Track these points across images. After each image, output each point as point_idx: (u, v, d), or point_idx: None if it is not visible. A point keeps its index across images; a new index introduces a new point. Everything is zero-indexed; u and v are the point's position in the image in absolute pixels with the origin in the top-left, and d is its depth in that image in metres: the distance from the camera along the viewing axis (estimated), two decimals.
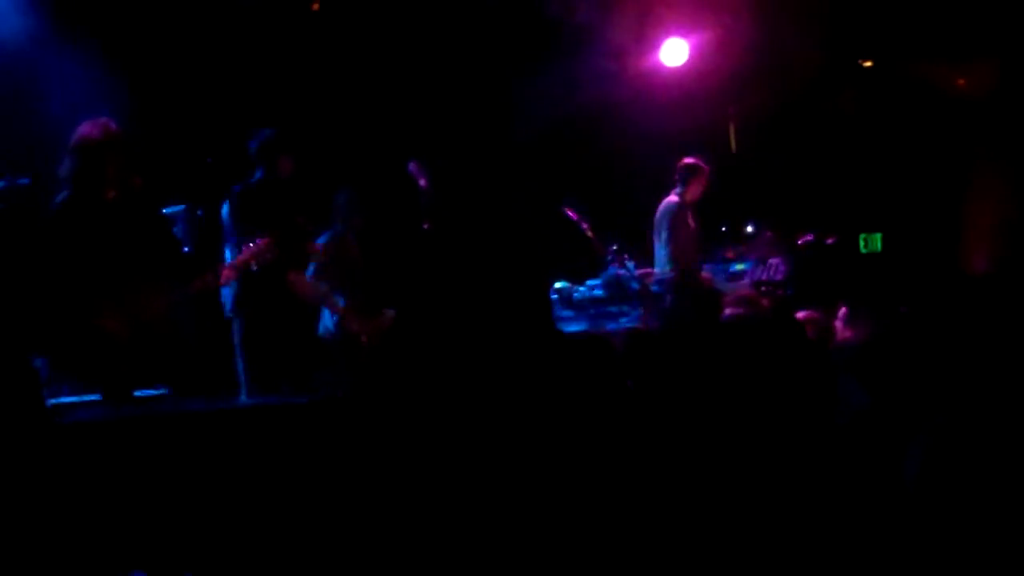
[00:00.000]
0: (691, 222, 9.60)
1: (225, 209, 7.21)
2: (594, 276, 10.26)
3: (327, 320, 8.31)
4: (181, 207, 8.20)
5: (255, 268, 6.43)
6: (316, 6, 10.57)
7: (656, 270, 9.60)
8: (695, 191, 9.57)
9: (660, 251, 9.59)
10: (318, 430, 3.07)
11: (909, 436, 3.54)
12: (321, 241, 8.18)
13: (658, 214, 9.63)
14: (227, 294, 7.07)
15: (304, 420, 3.19)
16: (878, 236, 11.33)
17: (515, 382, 2.65)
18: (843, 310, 6.68)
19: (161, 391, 6.36)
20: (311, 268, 8.11)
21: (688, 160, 9.66)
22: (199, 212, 8.63)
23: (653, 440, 2.85)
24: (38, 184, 7.67)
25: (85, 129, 6.11)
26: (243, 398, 6.89)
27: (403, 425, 2.88)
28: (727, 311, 8.01)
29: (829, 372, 4.23)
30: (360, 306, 8.08)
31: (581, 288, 10.26)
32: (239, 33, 9.80)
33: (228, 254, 7.16)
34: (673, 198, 9.55)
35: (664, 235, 9.46)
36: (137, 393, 5.99)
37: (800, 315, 6.98)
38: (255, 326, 7.10)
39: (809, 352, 3.71)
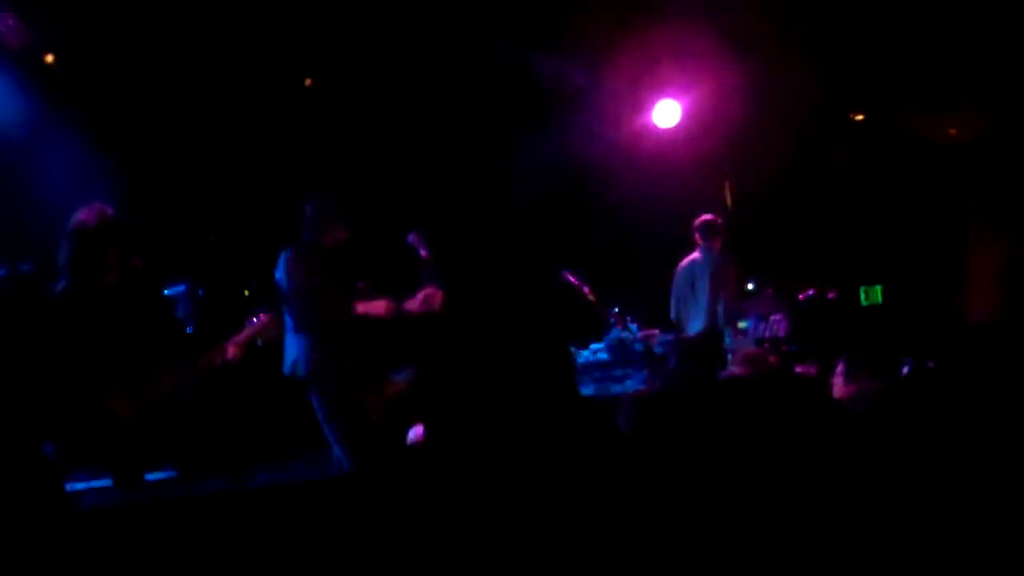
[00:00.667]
0: None
1: (278, 272, 7.11)
2: (597, 340, 10.25)
3: None
4: (182, 286, 8.19)
5: (261, 343, 6.41)
6: (309, 82, 10.65)
7: (697, 325, 9.68)
8: (718, 246, 9.74)
9: (706, 306, 9.69)
10: (336, 509, 3.03)
11: (924, 490, 3.53)
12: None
13: (706, 269, 9.74)
14: (294, 362, 7.00)
15: (320, 499, 3.16)
16: (878, 288, 11.36)
17: (540, 450, 2.63)
18: (841, 365, 6.67)
19: (170, 473, 6.32)
20: None
21: (707, 217, 9.84)
22: (200, 291, 8.63)
23: (666, 504, 2.82)
24: (40, 270, 7.67)
25: (81, 216, 6.09)
26: (347, 467, 6.85)
27: (420, 503, 2.84)
28: (732, 372, 7.99)
29: (840, 427, 4.22)
30: (370, 378, 7.87)
31: (585, 352, 10.24)
32: (235, 111, 9.87)
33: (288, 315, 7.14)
34: (712, 253, 9.69)
35: (723, 288, 9.60)
36: (148, 476, 5.97)
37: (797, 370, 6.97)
38: (341, 387, 7.01)
39: (816, 408, 3.69)
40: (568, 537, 2.52)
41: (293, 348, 7.03)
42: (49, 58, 9.06)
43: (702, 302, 9.75)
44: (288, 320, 7.09)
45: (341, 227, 7.19)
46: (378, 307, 7.18)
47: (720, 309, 9.68)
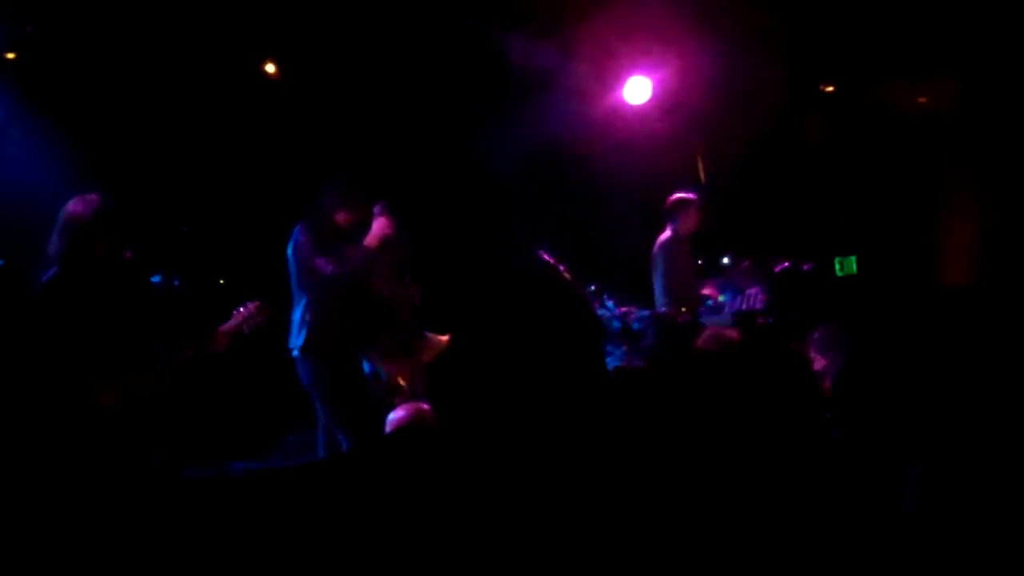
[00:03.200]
0: (687, 256, 9.87)
1: (291, 244, 7.22)
2: None
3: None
4: (157, 277, 8.18)
5: (247, 331, 6.43)
6: (274, 69, 10.60)
7: (659, 305, 9.73)
8: (688, 223, 9.76)
9: (656, 287, 9.77)
10: (339, 490, 3.01)
11: (899, 462, 3.54)
12: None
13: (653, 251, 9.78)
14: (300, 334, 7.08)
15: (326, 480, 3.13)
16: (853, 259, 11.42)
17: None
18: (815, 335, 6.70)
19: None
20: None
21: (674, 196, 9.82)
22: (175, 281, 8.62)
23: (652, 479, 2.82)
24: (13, 265, 7.63)
25: (75, 207, 6.04)
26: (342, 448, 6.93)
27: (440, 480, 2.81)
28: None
29: (820, 400, 4.23)
30: (401, 345, 7.85)
31: None
32: (206, 100, 9.83)
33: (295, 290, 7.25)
34: (667, 234, 9.72)
35: (659, 270, 9.66)
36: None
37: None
38: (346, 361, 7.10)
39: (796, 380, 3.69)
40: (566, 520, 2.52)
41: (301, 322, 7.12)
42: (10, 55, 8.99)
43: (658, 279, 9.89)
44: (298, 295, 7.20)
45: (359, 209, 7.31)
46: (377, 226, 7.29)
47: (665, 287, 9.74)
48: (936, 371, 4.37)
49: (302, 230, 7.19)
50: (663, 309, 9.65)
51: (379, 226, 7.26)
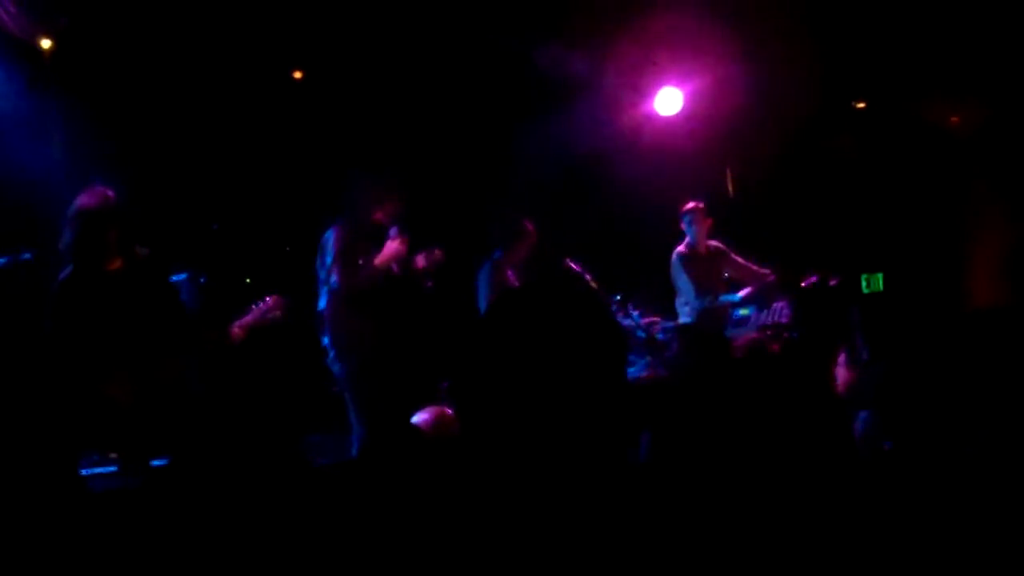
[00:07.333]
0: (700, 263, 9.98)
1: (322, 245, 7.30)
2: None
3: None
4: (184, 275, 8.19)
5: (264, 326, 6.47)
6: (299, 75, 10.63)
7: (681, 315, 9.79)
8: (699, 231, 9.93)
9: (677, 302, 9.88)
10: (340, 495, 3.01)
11: (930, 473, 3.53)
12: (483, 272, 8.26)
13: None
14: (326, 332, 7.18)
15: (326, 483, 3.13)
16: (880, 276, 11.34)
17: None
18: (842, 355, 6.66)
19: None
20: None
21: (683, 208, 9.88)
22: (202, 279, 8.63)
23: (672, 494, 2.81)
24: (42, 259, 7.66)
25: (83, 199, 6.08)
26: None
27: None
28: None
29: (843, 413, 4.21)
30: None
31: None
32: (238, 98, 9.86)
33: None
34: (678, 248, 9.81)
35: (676, 286, 9.74)
36: (154, 463, 5.98)
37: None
38: (367, 361, 7.17)
39: (821, 393, 3.67)
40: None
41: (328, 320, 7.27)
42: (46, 44, 9.01)
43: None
44: (326, 294, 7.32)
45: (392, 206, 7.41)
46: (389, 248, 7.37)
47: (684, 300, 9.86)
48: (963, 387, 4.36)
49: (335, 230, 7.30)
50: (685, 319, 9.67)
51: (391, 249, 7.35)
